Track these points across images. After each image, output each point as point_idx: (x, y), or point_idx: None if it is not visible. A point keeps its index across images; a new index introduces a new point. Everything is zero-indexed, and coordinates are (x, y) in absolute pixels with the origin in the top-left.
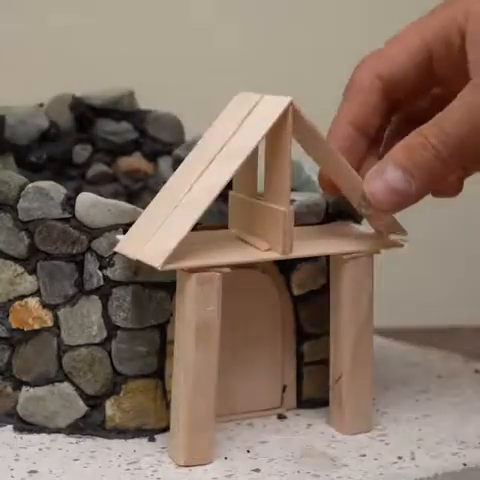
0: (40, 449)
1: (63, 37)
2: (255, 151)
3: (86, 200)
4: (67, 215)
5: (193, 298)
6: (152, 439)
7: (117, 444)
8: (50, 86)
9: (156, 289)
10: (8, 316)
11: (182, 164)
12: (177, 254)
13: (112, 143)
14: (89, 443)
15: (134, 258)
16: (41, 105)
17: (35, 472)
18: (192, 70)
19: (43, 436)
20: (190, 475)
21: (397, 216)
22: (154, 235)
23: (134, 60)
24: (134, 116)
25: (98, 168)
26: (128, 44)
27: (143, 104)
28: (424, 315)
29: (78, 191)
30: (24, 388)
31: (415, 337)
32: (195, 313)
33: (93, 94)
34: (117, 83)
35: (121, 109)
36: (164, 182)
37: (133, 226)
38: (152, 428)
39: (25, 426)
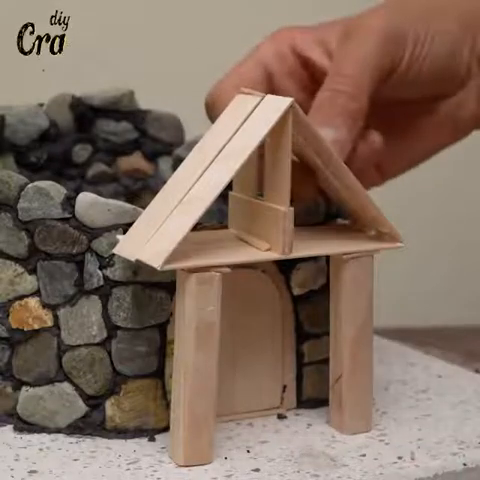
0: (40, 449)
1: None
2: (255, 151)
3: (86, 200)
4: (67, 215)
5: (193, 298)
6: (152, 439)
7: (117, 444)
8: (50, 86)
9: (156, 289)
10: (8, 316)
11: (182, 164)
12: (177, 254)
13: (112, 143)
14: (89, 443)
15: (133, 259)
16: (41, 105)
17: (35, 472)
18: (192, 70)
19: (43, 436)
20: (190, 475)
21: (396, 220)
22: (154, 235)
23: (134, 60)
24: (134, 116)
25: (98, 168)
26: (128, 43)
27: (143, 104)
28: (424, 315)
29: (78, 191)
30: (24, 388)
31: (415, 337)
32: (195, 313)
33: (93, 94)
34: (117, 83)
35: (121, 109)
36: (164, 182)
37: (133, 226)
38: (152, 428)
39: (25, 426)
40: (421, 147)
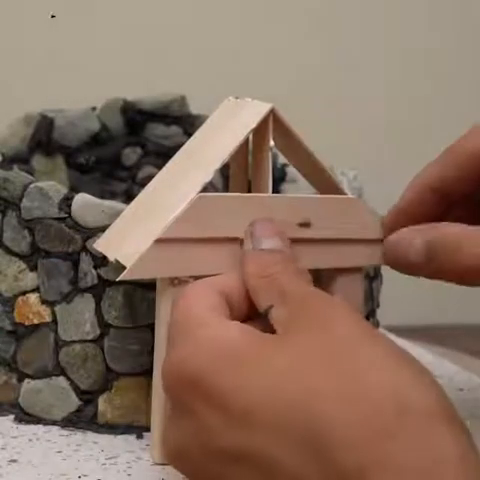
0: (30, 439)
1: (115, 41)
2: (245, 155)
3: (81, 201)
4: (63, 215)
5: (168, 298)
6: (140, 436)
7: (105, 439)
8: (102, 90)
9: (148, 290)
10: (13, 310)
11: (165, 166)
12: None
13: (163, 146)
14: (79, 437)
15: (112, 258)
16: (93, 109)
17: (14, 461)
18: (243, 75)
19: (39, 427)
20: (161, 474)
21: None
22: (130, 237)
23: (185, 64)
24: (184, 120)
25: (148, 170)
26: (180, 48)
27: (194, 108)
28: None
29: (128, 193)
30: (26, 380)
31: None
32: (168, 313)
33: (144, 98)
34: (169, 87)
35: (171, 113)
36: (212, 186)
37: (114, 224)
38: (143, 425)
39: (25, 417)
40: None
